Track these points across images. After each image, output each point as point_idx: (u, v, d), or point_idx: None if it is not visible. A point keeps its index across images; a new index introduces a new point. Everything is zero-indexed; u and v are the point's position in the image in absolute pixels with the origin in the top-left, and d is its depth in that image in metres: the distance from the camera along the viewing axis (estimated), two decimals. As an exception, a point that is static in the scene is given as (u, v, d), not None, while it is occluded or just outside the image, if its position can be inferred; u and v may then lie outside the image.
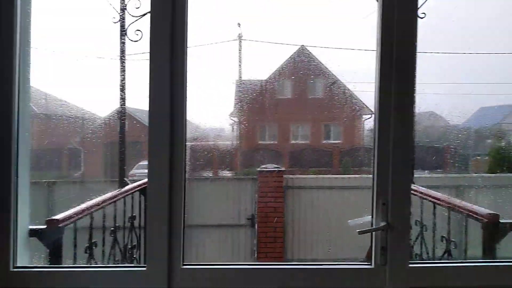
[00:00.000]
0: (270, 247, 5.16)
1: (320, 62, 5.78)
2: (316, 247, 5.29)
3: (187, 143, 1.57)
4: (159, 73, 1.53)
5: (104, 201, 2.45)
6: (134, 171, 4.74)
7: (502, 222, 2.33)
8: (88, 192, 3.04)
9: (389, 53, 1.52)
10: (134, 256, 2.74)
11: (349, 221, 1.57)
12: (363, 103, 5.63)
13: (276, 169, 5.36)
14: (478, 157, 5.41)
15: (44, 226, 1.84)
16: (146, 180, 3.21)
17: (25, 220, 1.62)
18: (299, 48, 5.60)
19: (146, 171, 1.55)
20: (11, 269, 1.52)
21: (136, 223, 2.76)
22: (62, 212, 2.11)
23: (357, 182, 5.03)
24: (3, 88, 1.52)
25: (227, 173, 5.94)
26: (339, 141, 6.28)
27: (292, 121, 6.37)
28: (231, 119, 6.08)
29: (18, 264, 1.55)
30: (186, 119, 1.57)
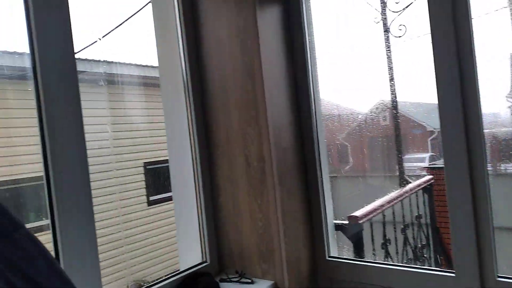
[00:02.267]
0: None
1: None
2: None
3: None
4: (444, 60, 1.42)
5: (392, 199, 2.52)
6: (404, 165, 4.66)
7: None
8: (368, 188, 3.19)
9: None
10: (425, 255, 2.69)
11: None
12: None
13: None
14: None
15: (346, 222, 2.05)
16: (427, 177, 3.09)
17: (330, 214, 1.84)
18: None
19: (414, 164, 1.44)
20: (327, 258, 1.76)
21: (422, 221, 2.70)
22: (357, 208, 2.29)
23: None
24: (304, 99, 1.78)
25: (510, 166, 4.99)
26: None
27: None
28: (508, 101, 5.07)
29: (331, 254, 1.78)
30: (480, 106, 1.39)
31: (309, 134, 1.79)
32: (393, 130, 3.52)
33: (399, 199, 2.59)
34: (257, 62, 1.59)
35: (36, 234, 0.66)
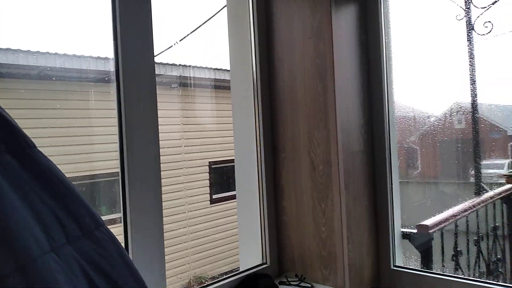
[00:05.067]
0: None
1: None
2: None
3: None
4: None
5: (467, 208, 2.36)
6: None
7: None
8: (440, 195, 3.01)
9: None
10: (500, 270, 2.48)
11: None
12: None
13: None
14: None
15: (415, 230, 1.95)
16: (507, 186, 2.85)
17: (398, 222, 1.77)
18: None
19: (491, 171, 1.34)
20: (392, 267, 1.69)
21: (499, 233, 2.49)
22: (426, 216, 2.18)
23: None
24: (377, 101, 1.73)
25: None
26: None
27: None
28: None
29: (397, 264, 1.71)
30: None
31: (380, 138, 1.73)
32: (471, 133, 3.29)
33: (475, 208, 2.41)
34: (329, 64, 1.57)
35: (108, 226, 0.69)
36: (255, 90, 1.77)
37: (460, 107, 3.69)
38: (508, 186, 2.81)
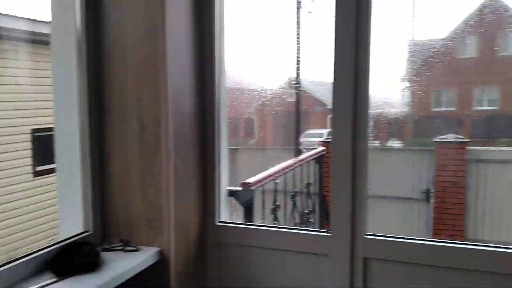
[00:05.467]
0: (448, 224, 4.75)
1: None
2: (504, 229, 4.64)
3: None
4: (343, 39, 1.52)
5: (285, 168, 2.65)
6: (301, 139, 4.97)
7: None
8: (267, 159, 3.31)
9: None
10: (311, 220, 2.91)
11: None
12: None
13: (458, 139, 4.81)
14: None
15: (240, 188, 2.10)
16: (321, 148, 3.32)
17: (225, 182, 1.87)
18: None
19: (313, 139, 1.58)
20: (216, 223, 1.80)
21: (311, 189, 2.90)
22: (249, 176, 2.37)
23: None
24: (210, 69, 1.76)
25: (397, 144, 5.64)
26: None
27: (476, 83, 5.56)
28: (402, 84, 5.65)
29: (221, 219, 1.82)
30: (368, 85, 1.53)
31: (211, 102, 1.76)
32: (295, 106, 3.69)
33: (291, 167, 2.74)
34: (161, 21, 1.50)
35: None
36: (79, 46, 1.59)
37: (291, 83, 4.09)
38: (320, 148, 3.29)
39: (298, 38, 3.38)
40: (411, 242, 1.54)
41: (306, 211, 2.87)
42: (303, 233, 1.69)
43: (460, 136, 4.92)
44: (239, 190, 1.99)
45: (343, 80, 1.54)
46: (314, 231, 1.67)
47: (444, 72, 5.66)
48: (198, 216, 1.76)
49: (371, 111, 1.55)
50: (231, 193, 1.92)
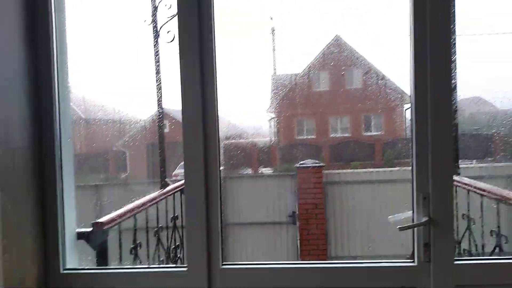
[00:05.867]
0: (313, 245, 5.09)
1: (356, 51, 5.63)
2: (359, 244, 5.18)
3: (226, 141, 1.57)
4: (189, 72, 1.53)
5: (146, 202, 2.52)
6: (177, 171, 4.81)
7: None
8: (133, 194, 3.14)
9: (422, 35, 1.43)
10: (178, 255, 2.81)
11: (389, 217, 1.51)
12: (403, 91, 5.45)
13: (315, 164, 5.27)
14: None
15: (90, 229, 1.92)
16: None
17: (72, 224, 1.69)
18: (334, 38, 5.49)
19: (179, 170, 1.56)
20: (61, 271, 1.59)
21: (178, 223, 2.82)
22: (109, 214, 2.19)
23: (400, 175, 4.87)
24: (45, 93, 1.59)
25: (266, 170, 5.94)
26: (380, 133, 6.11)
27: (330, 114, 6.26)
28: (268, 115, 6.06)
29: (68, 266, 1.62)
30: (217, 116, 1.56)
31: (49, 136, 1.59)
32: (158, 137, 3.59)
33: (153, 201, 2.63)
34: None
35: None
36: None
37: (157, 113, 3.99)
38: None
39: (158, 66, 3.36)
40: (273, 268, 1.57)
41: (173, 246, 2.76)
42: (159, 271, 1.60)
43: (317, 161, 5.41)
44: (89, 232, 1.82)
45: (191, 112, 1.55)
46: (170, 267, 1.61)
47: (304, 103, 6.24)
48: (37, 265, 1.54)
49: (242, 140, 1.59)
50: (81, 236, 1.74)
